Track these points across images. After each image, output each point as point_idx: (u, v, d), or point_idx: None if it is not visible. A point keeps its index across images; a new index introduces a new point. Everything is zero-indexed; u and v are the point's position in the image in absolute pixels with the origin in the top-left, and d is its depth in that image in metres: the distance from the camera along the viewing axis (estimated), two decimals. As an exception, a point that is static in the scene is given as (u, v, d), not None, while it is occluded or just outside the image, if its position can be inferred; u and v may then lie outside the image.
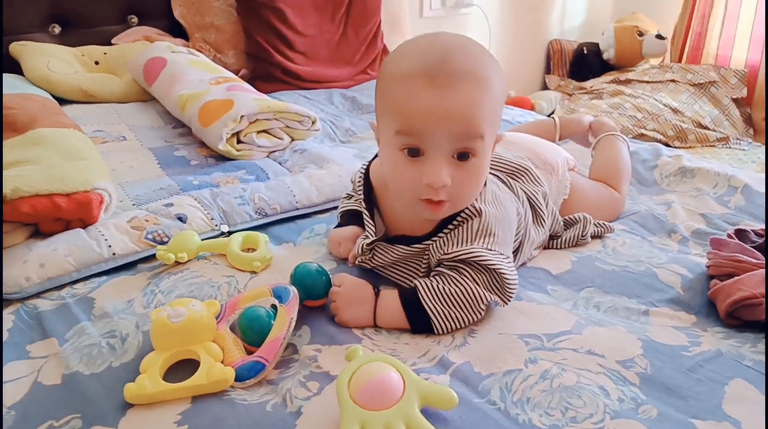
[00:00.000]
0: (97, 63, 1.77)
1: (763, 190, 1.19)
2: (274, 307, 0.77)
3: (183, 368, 0.70)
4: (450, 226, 0.80)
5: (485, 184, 0.81)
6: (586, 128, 1.31)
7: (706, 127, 2.70)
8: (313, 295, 0.81)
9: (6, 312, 0.84)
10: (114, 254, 0.92)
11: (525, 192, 0.95)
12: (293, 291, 0.77)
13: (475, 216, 0.79)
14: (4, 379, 0.72)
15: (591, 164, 1.22)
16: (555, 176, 1.03)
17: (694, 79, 2.87)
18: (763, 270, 0.83)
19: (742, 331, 0.80)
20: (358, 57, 2.07)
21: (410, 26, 2.38)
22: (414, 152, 0.73)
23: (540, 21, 3.10)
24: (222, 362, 0.70)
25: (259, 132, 1.33)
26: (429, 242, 0.82)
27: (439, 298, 0.77)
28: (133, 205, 1.08)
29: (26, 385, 0.71)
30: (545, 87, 3.24)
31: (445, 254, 0.79)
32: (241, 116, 1.28)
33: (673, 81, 2.92)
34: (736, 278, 0.84)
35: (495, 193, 0.84)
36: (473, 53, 0.74)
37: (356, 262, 0.91)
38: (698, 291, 0.89)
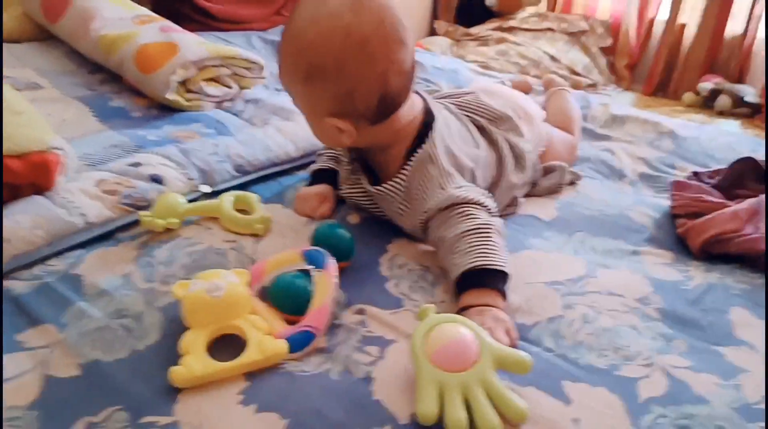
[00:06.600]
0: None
1: (686, 134, 1.33)
2: (302, 271, 0.73)
3: (219, 345, 0.65)
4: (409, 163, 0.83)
5: (432, 129, 0.83)
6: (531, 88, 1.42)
7: (579, 74, 2.92)
8: (340, 257, 0.77)
9: (-27, 298, 0.71)
10: (88, 223, 0.81)
11: (506, 139, 0.98)
12: (329, 254, 0.73)
13: (430, 161, 0.82)
14: (4, 377, 0.62)
15: (545, 114, 1.28)
16: (535, 126, 1.07)
17: (568, 28, 3.08)
18: (729, 208, 0.94)
19: (716, 263, 0.90)
20: (271, -4, 1.94)
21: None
22: None
23: (426, -35, 3.09)
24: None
25: (205, 80, 1.21)
26: (392, 183, 0.83)
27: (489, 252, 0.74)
28: (87, 165, 0.94)
29: (36, 380, 0.62)
30: (434, 32, 3.27)
31: (426, 211, 0.80)
32: (189, 62, 1.15)
33: (550, 29, 3.11)
34: (705, 217, 0.94)
35: (443, 136, 0.85)
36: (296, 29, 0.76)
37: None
38: (668, 230, 0.98)
